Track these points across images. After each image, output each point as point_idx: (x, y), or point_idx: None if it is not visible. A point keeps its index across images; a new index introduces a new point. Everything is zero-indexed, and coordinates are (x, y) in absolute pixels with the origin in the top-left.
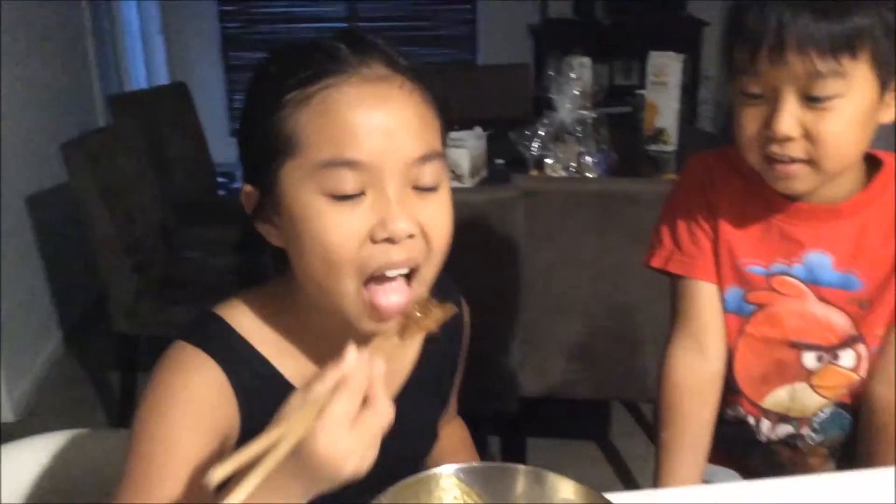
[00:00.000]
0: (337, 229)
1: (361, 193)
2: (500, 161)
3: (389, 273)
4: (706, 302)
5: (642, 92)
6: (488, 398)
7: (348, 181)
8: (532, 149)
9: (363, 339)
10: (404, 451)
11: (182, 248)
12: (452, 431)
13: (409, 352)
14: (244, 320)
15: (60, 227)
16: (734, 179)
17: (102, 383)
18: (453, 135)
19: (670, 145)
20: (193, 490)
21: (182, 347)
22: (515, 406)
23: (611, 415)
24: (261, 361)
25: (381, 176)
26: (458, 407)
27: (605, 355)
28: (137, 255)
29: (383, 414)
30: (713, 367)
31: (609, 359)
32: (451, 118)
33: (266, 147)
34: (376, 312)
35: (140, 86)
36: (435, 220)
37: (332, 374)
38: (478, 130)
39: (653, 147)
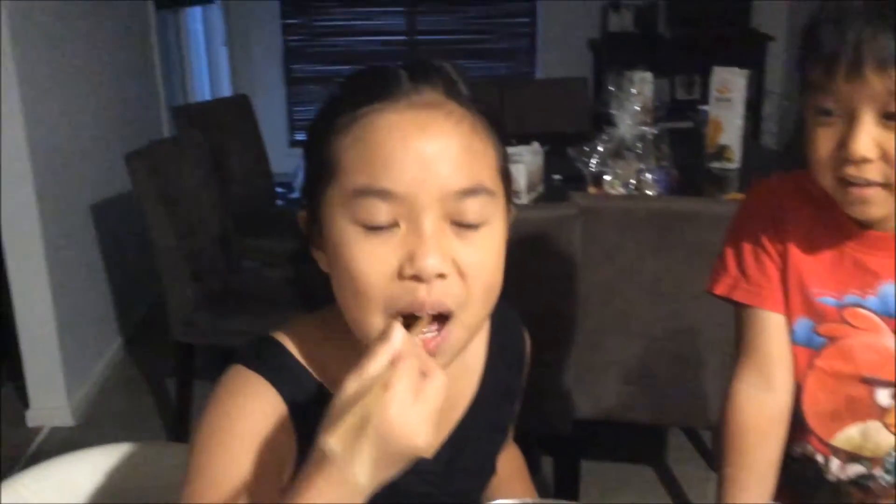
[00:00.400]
0: (365, 261)
1: (395, 225)
2: (557, 177)
3: (418, 314)
4: (773, 333)
5: (705, 108)
6: (542, 419)
7: (381, 212)
8: (591, 165)
9: None
10: (464, 485)
11: (240, 258)
12: (508, 461)
13: (467, 384)
14: (301, 345)
15: (124, 234)
16: (804, 205)
17: (160, 390)
18: (510, 149)
19: (733, 163)
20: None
21: (240, 371)
22: (569, 428)
23: (667, 438)
24: (318, 387)
25: (416, 208)
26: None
27: (662, 379)
28: (196, 265)
29: (440, 385)
30: (780, 402)
31: (667, 382)
32: (508, 133)
33: (315, 169)
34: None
35: (204, 97)
36: (476, 260)
37: (385, 351)
38: (535, 146)
39: (715, 164)
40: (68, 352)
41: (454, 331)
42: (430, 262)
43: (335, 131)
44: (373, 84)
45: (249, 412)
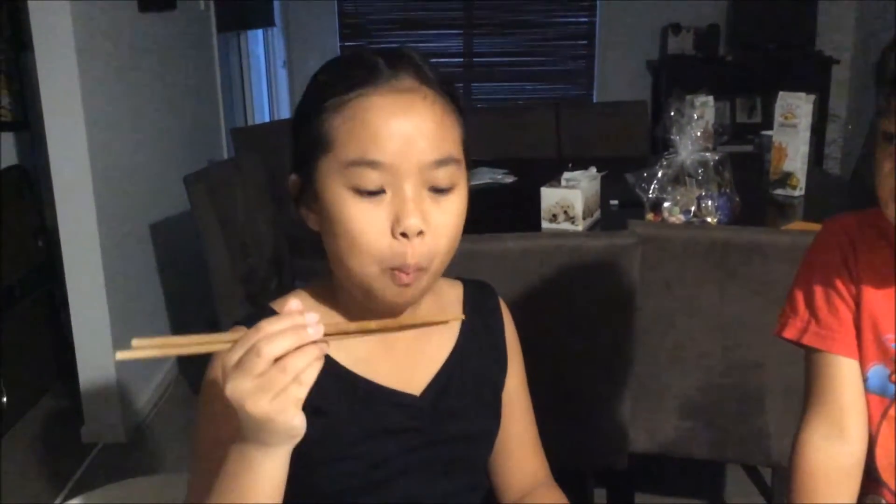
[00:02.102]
0: (360, 219)
1: (382, 191)
2: (614, 202)
3: (405, 270)
4: (846, 380)
5: (769, 133)
6: (597, 453)
7: (371, 179)
8: (650, 191)
9: (393, 314)
10: (455, 429)
11: (293, 279)
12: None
13: (447, 334)
14: (292, 307)
15: (181, 254)
16: (879, 245)
17: None
18: (567, 175)
19: (798, 190)
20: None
21: (234, 330)
22: (625, 462)
23: (725, 474)
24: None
25: (399, 176)
26: (554, 466)
27: (722, 414)
28: (251, 286)
29: (288, 369)
30: (853, 453)
31: (726, 418)
32: (566, 156)
33: (308, 143)
34: (398, 280)
35: (263, 119)
36: (443, 222)
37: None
38: (592, 171)
39: (779, 191)
40: (123, 369)
41: (424, 278)
42: (413, 222)
43: (327, 110)
44: (357, 70)
45: None
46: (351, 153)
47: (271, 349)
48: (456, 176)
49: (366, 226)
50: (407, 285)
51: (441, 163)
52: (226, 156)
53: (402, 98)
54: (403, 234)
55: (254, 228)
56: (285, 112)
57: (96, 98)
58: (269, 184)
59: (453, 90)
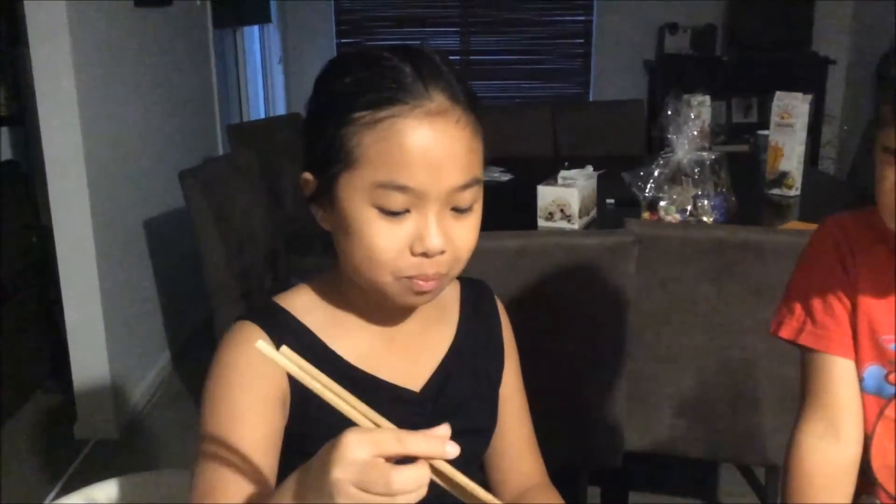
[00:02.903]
0: (381, 238)
1: (407, 211)
2: (610, 201)
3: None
4: (842, 380)
5: (765, 132)
6: (592, 451)
7: (397, 201)
8: (646, 190)
9: (403, 313)
10: (454, 424)
11: (288, 276)
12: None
13: (447, 329)
14: (297, 303)
15: (175, 251)
16: (876, 246)
17: None
18: (563, 173)
19: (794, 190)
20: (257, 449)
21: (241, 325)
22: (619, 461)
23: (719, 473)
24: (310, 336)
25: (425, 200)
26: (549, 465)
27: (716, 413)
28: (246, 282)
29: (393, 481)
30: (848, 452)
31: (721, 417)
32: (563, 155)
33: (329, 150)
34: (417, 287)
35: (259, 115)
36: (464, 238)
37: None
38: (588, 169)
39: (775, 191)
40: (117, 366)
41: (444, 282)
42: (435, 243)
43: (354, 123)
44: (386, 81)
45: (247, 356)
46: (381, 176)
47: (400, 485)
48: (477, 194)
49: (386, 243)
50: (425, 292)
51: (467, 186)
52: (221, 152)
53: (436, 123)
54: (424, 254)
55: (249, 225)
56: (281, 109)
57: (91, 94)
58: (265, 180)
59: (478, 106)
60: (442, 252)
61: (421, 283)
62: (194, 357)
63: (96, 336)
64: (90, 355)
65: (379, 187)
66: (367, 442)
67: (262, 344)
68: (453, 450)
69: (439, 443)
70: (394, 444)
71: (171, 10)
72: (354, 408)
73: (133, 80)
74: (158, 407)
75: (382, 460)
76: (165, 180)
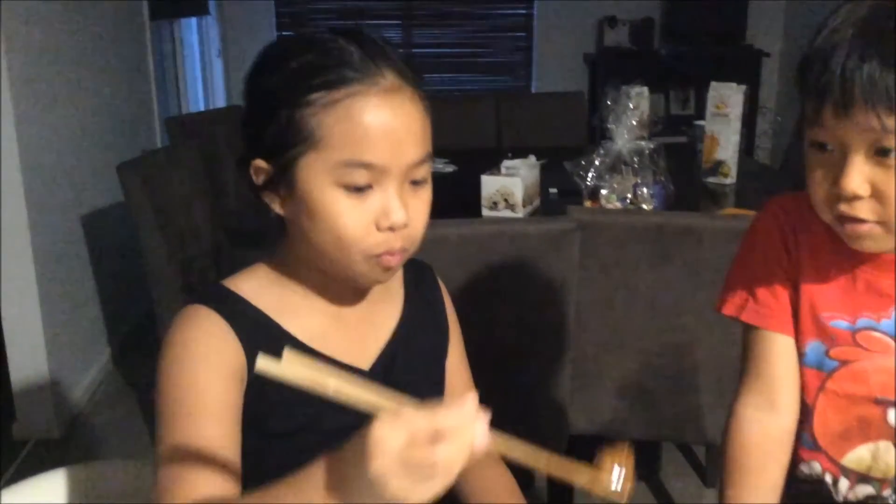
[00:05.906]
0: (347, 217)
1: (369, 187)
2: (553, 190)
3: (391, 255)
4: (781, 355)
5: (701, 123)
6: (537, 434)
7: (361, 177)
8: (587, 179)
9: (354, 293)
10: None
11: (231, 270)
12: (498, 478)
13: (393, 307)
14: (245, 286)
15: (114, 245)
16: (816, 227)
17: (148, 402)
18: (507, 163)
19: (730, 178)
20: (221, 420)
21: (191, 308)
22: (564, 445)
23: (661, 453)
24: (262, 316)
25: (387, 175)
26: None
27: (658, 394)
28: (187, 277)
29: (441, 455)
30: (784, 424)
31: (662, 398)
32: (506, 146)
33: (287, 135)
34: (384, 263)
35: (198, 108)
36: (421, 210)
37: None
38: (531, 159)
39: (711, 179)
40: (56, 363)
41: (403, 258)
42: (399, 216)
43: (310, 105)
44: (338, 65)
45: (202, 334)
46: (345, 154)
47: (446, 455)
48: (429, 168)
49: (353, 221)
50: (392, 267)
51: (423, 160)
52: (160, 145)
53: (392, 99)
54: (390, 228)
55: (191, 219)
56: (220, 101)
57: (24, 87)
58: (206, 173)
59: (421, 79)
60: (405, 225)
61: (388, 258)
62: (135, 353)
63: (34, 334)
64: (28, 353)
65: (344, 166)
66: (398, 427)
67: (263, 359)
68: (484, 416)
69: (470, 413)
70: (425, 423)
71: (105, 2)
72: (374, 394)
73: (67, 72)
74: (100, 404)
75: (420, 439)
76: (104, 174)
